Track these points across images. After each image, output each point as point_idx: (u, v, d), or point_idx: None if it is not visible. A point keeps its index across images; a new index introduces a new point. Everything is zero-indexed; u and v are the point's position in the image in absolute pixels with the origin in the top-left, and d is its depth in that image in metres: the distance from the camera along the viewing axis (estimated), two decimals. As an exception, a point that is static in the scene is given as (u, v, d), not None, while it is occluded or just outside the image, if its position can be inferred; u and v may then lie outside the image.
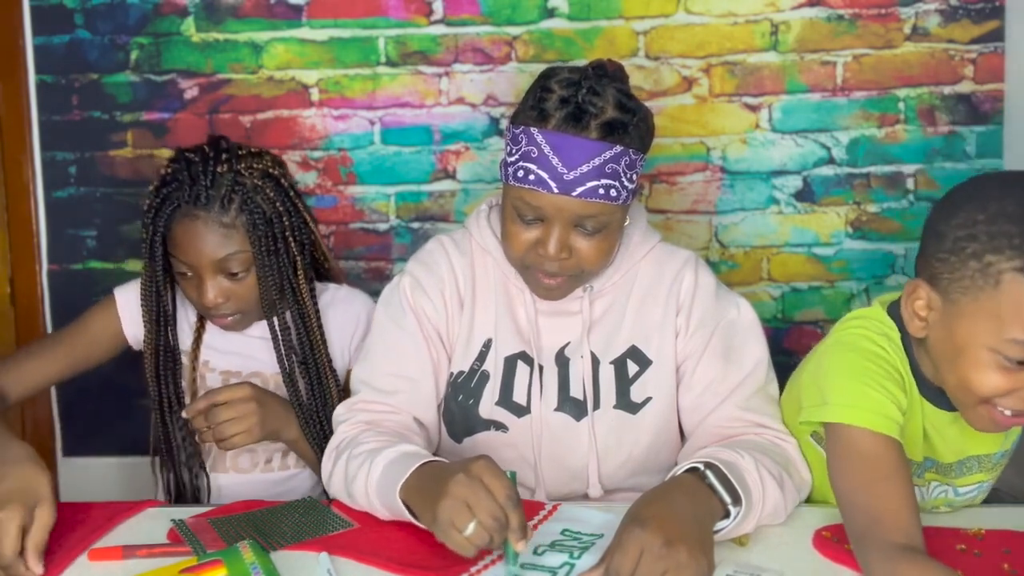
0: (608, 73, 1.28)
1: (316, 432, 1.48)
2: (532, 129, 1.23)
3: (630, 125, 1.24)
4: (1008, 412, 1.09)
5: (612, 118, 1.22)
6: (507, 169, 1.27)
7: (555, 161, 1.22)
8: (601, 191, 1.23)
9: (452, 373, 1.38)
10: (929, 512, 1.28)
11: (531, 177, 1.23)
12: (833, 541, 1.15)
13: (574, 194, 1.22)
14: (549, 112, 1.23)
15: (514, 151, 1.25)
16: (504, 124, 1.94)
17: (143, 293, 1.50)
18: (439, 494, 1.06)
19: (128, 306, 1.55)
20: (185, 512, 1.28)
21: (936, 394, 1.18)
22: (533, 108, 1.24)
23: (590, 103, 1.22)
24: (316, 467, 1.50)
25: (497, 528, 1.03)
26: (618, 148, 1.23)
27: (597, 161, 1.22)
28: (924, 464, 1.24)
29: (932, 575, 1.00)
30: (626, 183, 1.25)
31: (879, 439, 1.12)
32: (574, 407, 1.34)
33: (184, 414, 1.43)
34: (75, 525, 1.23)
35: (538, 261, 1.28)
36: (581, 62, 1.90)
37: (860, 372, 1.16)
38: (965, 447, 1.23)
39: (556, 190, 1.22)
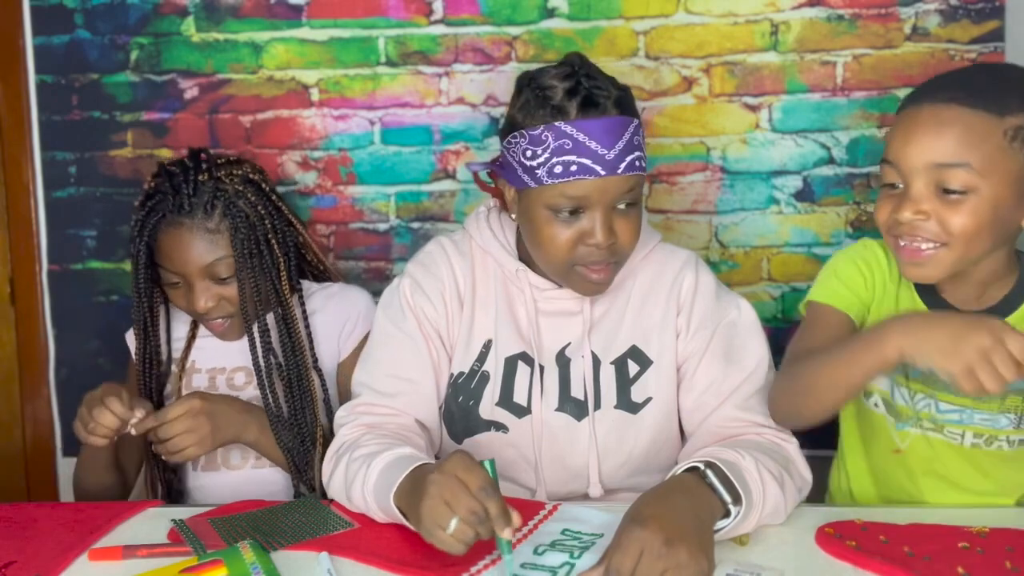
0: (584, 61, 1.31)
1: (291, 436, 1.47)
2: (556, 124, 1.24)
3: (629, 97, 1.30)
4: (902, 242, 1.23)
5: (618, 95, 1.27)
6: (536, 172, 1.26)
7: (593, 146, 1.23)
8: (637, 163, 1.27)
9: (452, 374, 1.38)
10: (932, 507, 1.30)
11: (573, 168, 1.24)
12: (836, 537, 1.15)
13: (619, 171, 1.25)
14: (563, 105, 1.25)
15: (540, 152, 1.25)
16: (504, 124, 1.93)
17: (133, 305, 1.52)
18: (420, 497, 1.07)
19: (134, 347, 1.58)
20: (185, 512, 1.28)
21: (944, 307, 1.28)
22: (541, 107, 1.25)
23: (595, 87, 1.26)
24: (284, 466, 1.50)
25: (478, 521, 1.03)
26: (634, 120, 1.28)
27: (626, 135, 1.25)
28: (910, 367, 1.28)
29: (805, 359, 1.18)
30: (645, 152, 1.30)
31: (822, 307, 1.32)
32: (575, 407, 1.34)
33: (131, 430, 1.41)
34: (75, 525, 1.23)
35: (586, 255, 1.28)
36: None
37: (829, 266, 1.36)
38: None
39: (603, 172, 1.24)
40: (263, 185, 1.51)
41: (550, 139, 1.24)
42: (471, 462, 1.07)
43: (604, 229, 1.26)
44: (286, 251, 1.51)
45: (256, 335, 1.49)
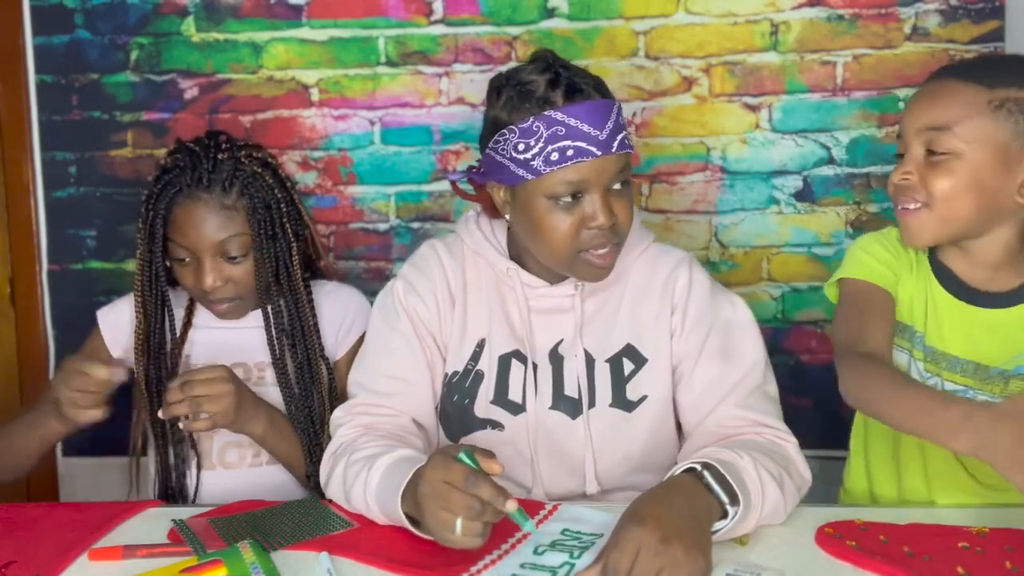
0: (555, 55, 1.34)
1: (303, 418, 1.49)
2: (546, 113, 1.26)
3: (604, 83, 1.32)
4: (899, 206, 1.32)
5: (596, 81, 1.31)
6: (531, 164, 1.27)
7: (586, 128, 1.25)
8: (626, 141, 1.30)
9: (447, 374, 1.39)
10: (932, 508, 1.31)
11: (570, 152, 1.25)
12: (836, 537, 1.15)
13: (614, 150, 1.27)
14: (548, 95, 1.27)
15: (533, 143, 1.26)
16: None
17: (138, 282, 1.51)
18: (422, 512, 1.09)
19: (110, 326, 1.59)
20: (185, 512, 1.28)
21: (957, 286, 1.35)
22: (527, 101, 1.27)
23: (573, 75, 1.29)
24: (290, 464, 1.51)
25: (477, 512, 1.04)
26: (616, 102, 1.31)
27: (613, 115, 1.28)
28: (925, 349, 1.36)
29: (883, 369, 1.23)
30: (629, 132, 1.33)
31: (859, 282, 1.37)
32: (569, 405, 1.34)
33: (167, 396, 1.38)
34: (75, 525, 1.23)
35: (589, 239, 1.29)
36: (582, 63, 1.90)
37: (855, 247, 1.42)
38: (967, 348, 1.32)
39: (599, 152, 1.26)
40: (279, 171, 1.53)
41: (542, 128, 1.26)
42: (446, 461, 1.08)
43: (605, 210, 1.27)
44: (297, 237, 1.52)
45: (269, 314, 1.49)
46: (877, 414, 1.25)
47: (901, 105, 1.91)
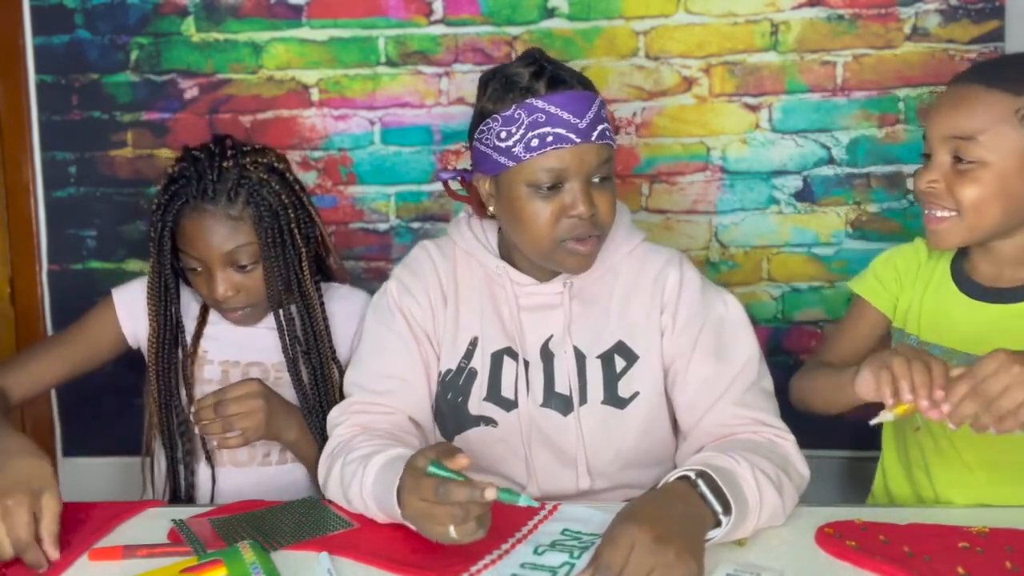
0: (542, 51, 1.36)
1: (318, 422, 1.49)
2: (528, 101, 1.27)
3: (589, 80, 1.34)
4: (926, 211, 1.34)
5: (581, 76, 1.32)
6: (512, 151, 1.28)
7: (566, 116, 1.27)
8: (607, 133, 1.30)
9: (441, 372, 1.39)
10: (933, 508, 1.31)
11: (549, 138, 1.26)
12: (835, 537, 1.15)
13: (593, 139, 1.28)
14: (531, 85, 1.28)
15: (515, 130, 1.27)
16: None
17: (150, 290, 1.51)
18: (420, 530, 1.11)
19: (125, 306, 1.57)
20: (185, 512, 1.28)
21: (970, 285, 1.37)
22: (510, 91, 1.29)
23: (557, 68, 1.31)
24: (313, 468, 1.51)
25: (463, 517, 1.06)
26: (599, 96, 1.32)
27: (594, 107, 1.29)
28: (922, 347, 1.38)
29: (814, 365, 1.39)
30: (611, 126, 1.33)
31: (858, 298, 1.48)
32: (560, 402, 1.35)
33: (193, 408, 1.42)
34: (75, 525, 1.23)
35: (569, 228, 1.29)
36: (582, 62, 1.91)
37: (873, 261, 1.48)
38: (976, 344, 1.32)
39: (578, 140, 1.26)
40: (287, 175, 1.51)
41: (523, 116, 1.27)
42: (415, 481, 1.09)
43: (585, 199, 1.28)
44: (307, 242, 1.52)
45: (282, 320, 1.50)
46: (809, 403, 1.41)
47: (901, 105, 1.91)
